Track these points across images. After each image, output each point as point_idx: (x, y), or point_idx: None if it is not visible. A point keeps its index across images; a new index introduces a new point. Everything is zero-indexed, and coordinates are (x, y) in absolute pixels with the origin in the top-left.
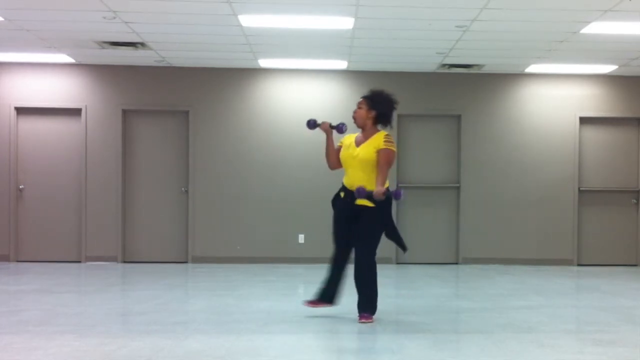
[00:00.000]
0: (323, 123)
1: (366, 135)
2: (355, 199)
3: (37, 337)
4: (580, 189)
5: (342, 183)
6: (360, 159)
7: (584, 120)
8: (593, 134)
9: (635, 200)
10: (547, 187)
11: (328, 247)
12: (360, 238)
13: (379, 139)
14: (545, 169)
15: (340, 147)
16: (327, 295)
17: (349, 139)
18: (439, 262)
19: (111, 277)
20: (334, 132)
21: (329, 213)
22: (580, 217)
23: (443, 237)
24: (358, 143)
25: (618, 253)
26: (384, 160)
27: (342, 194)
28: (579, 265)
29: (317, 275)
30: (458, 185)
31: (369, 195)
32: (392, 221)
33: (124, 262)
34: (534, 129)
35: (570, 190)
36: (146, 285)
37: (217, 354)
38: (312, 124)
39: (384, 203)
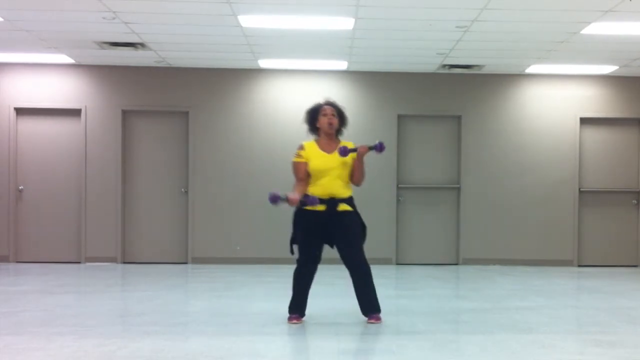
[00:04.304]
0: (289, 199)
1: (332, 143)
2: (336, 207)
3: (37, 338)
4: (581, 189)
5: (309, 195)
6: (341, 168)
7: (584, 121)
8: (593, 134)
9: (635, 201)
10: (547, 188)
11: (328, 248)
12: (352, 242)
13: (350, 146)
14: (545, 170)
15: (305, 162)
16: (299, 305)
17: (312, 147)
18: (439, 263)
19: (111, 278)
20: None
21: None
22: (581, 218)
23: (443, 238)
24: (329, 151)
25: (618, 254)
26: (363, 166)
27: (318, 208)
28: (579, 266)
29: (317, 276)
30: (458, 186)
31: (353, 150)
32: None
33: (124, 263)
34: (535, 129)
35: (571, 191)
36: (146, 286)
37: (217, 355)
38: (273, 199)
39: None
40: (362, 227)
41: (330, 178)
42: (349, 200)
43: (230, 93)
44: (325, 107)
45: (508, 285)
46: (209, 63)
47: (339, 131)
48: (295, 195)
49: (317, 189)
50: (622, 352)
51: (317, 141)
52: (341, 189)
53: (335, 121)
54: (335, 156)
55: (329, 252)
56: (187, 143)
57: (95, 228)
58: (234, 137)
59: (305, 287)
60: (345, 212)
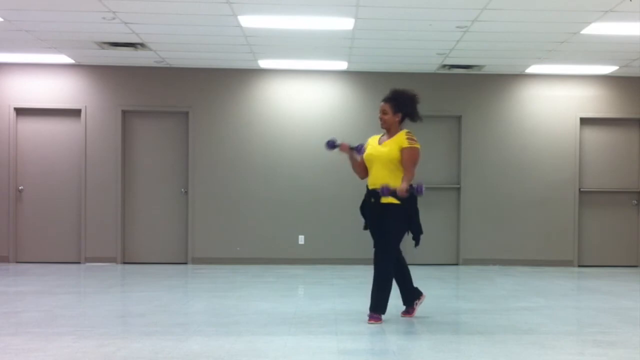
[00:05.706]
0: (342, 145)
1: (391, 134)
2: (380, 198)
3: (37, 338)
4: (581, 189)
5: (367, 186)
6: (383, 156)
7: (584, 121)
8: (593, 134)
9: (635, 202)
10: (547, 188)
11: (328, 248)
12: (382, 236)
13: (401, 137)
14: (545, 170)
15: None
16: (411, 296)
17: (374, 139)
18: (439, 263)
19: (111, 278)
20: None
21: (329, 214)
22: (581, 218)
23: (443, 238)
24: (382, 142)
25: (618, 254)
26: (409, 160)
27: (372, 200)
28: (579, 266)
29: (317, 276)
30: (458, 186)
31: (392, 193)
32: (418, 217)
33: (124, 263)
34: (535, 129)
35: (571, 191)
36: (146, 287)
37: (217, 355)
38: (331, 145)
39: (410, 200)
40: (405, 223)
41: (375, 169)
42: (394, 193)
43: (230, 93)
44: (381, 104)
45: (508, 286)
46: (209, 63)
47: (403, 119)
48: (346, 144)
49: (368, 179)
50: (622, 353)
51: (387, 133)
52: (386, 180)
53: (385, 119)
54: (380, 147)
55: (329, 252)
56: (187, 143)
57: (95, 228)
58: (233, 137)
59: (397, 279)
60: (388, 205)
